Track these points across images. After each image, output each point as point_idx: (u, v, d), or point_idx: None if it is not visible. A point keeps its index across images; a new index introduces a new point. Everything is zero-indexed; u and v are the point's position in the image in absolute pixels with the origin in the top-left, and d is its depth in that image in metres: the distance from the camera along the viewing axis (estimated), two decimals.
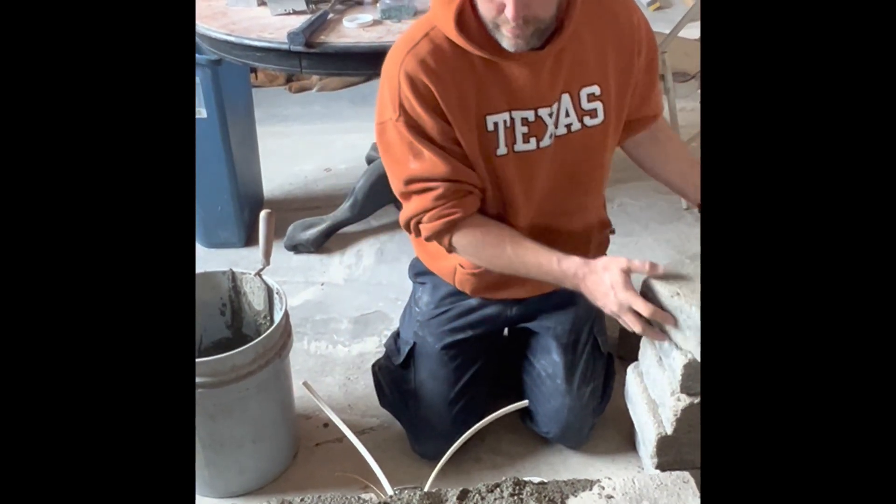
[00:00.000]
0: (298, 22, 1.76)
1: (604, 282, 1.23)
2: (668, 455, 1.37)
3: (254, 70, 3.43)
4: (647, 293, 1.26)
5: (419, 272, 1.60)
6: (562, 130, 1.31)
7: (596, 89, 1.31)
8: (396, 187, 1.31)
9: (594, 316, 1.56)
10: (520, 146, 1.29)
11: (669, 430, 1.34)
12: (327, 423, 1.70)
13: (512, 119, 1.27)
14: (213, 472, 1.47)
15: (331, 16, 1.87)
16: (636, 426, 1.51)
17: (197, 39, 1.98)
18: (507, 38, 1.17)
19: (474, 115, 1.25)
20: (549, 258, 1.28)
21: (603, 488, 0.98)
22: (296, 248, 2.33)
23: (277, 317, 1.48)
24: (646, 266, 1.22)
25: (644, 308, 1.20)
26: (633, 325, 1.24)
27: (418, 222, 1.32)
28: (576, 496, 0.96)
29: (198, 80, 2.05)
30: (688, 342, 1.20)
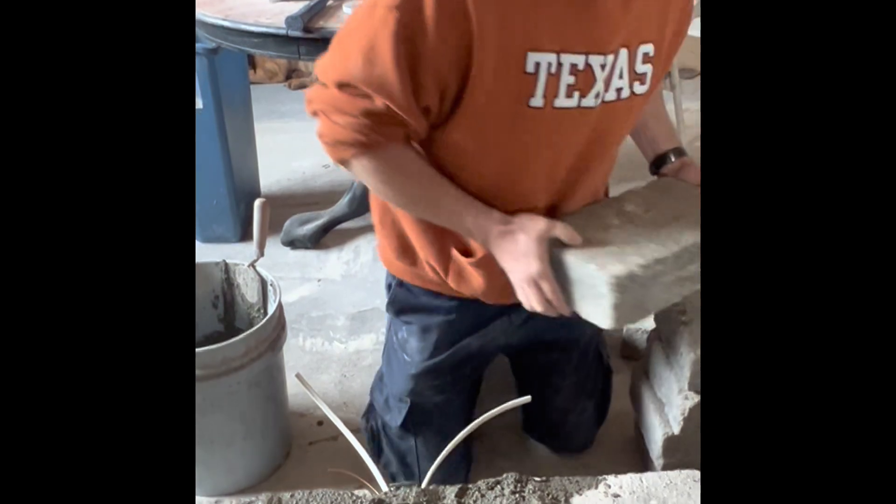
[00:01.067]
0: (296, 8, 1.72)
1: (518, 246, 1.02)
2: (675, 456, 1.32)
3: (252, 65, 3.40)
4: (555, 260, 1.06)
5: (403, 308, 1.29)
6: (611, 95, 1.02)
7: (651, 49, 1.03)
8: (322, 73, 1.00)
9: (598, 328, 1.32)
10: (561, 100, 0.97)
11: (676, 430, 1.29)
12: (321, 421, 1.65)
13: (560, 64, 0.95)
14: (202, 469, 1.42)
15: (330, 2, 1.82)
16: (641, 427, 1.46)
17: None
18: None
19: (517, 46, 0.93)
20: (468, 208, 1.04)
21: (609, 486, 0.93)
22: (292, 243, 2.28)
23: (271, 309, 1.43)
24: (573, 236, 1.02)
25: (550, 291, 1.02)
26: (535, 303, 1.04)
27: (325, 113, 1.00)
28: (580, 494, 0.91)
29: (195, 69, 2.01)
30: (597, 314, 1.05)
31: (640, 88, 1.05)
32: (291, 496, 0.95)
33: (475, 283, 1.18)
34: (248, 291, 1.56)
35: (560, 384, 1.44)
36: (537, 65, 0.94)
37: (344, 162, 1.03)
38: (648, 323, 1.70)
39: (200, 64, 1.98)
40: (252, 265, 1.52)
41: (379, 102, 0.94)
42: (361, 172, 1.03)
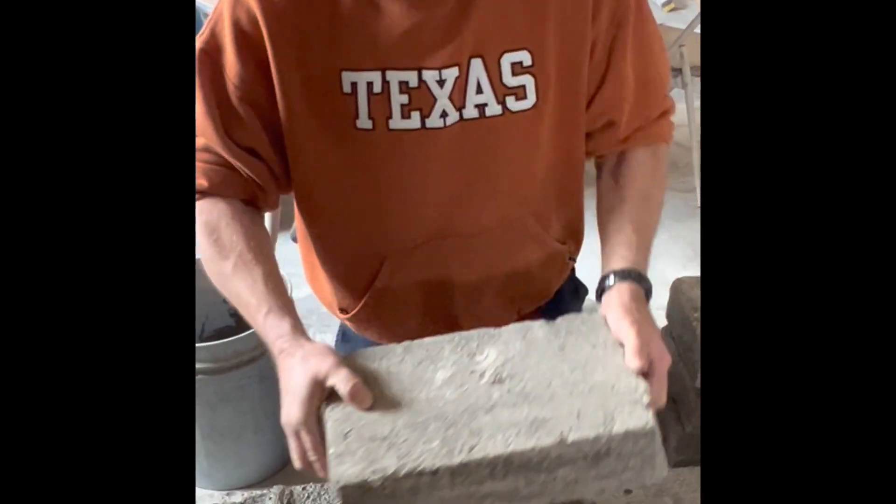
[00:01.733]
0: None
1: (291, 379, 0.79)
2: (687, 454, 1.32)
3: None
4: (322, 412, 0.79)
5: (358, 346, 1.05)
6: (472, 112, 0.86)
7: (525, 57, 0.86)
8: None
9: None
10: (396, 122, 0.85)
11: (689, 428, 1.29)
12: None
13: (385, 82, 0.83)
14: (212, 462, 1.43)
15: None
16: None
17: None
18: None
19: (323, 65, 0.83)
20: (261, 302, 0.83)
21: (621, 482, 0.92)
22: None
23: None
24: (356, 395, 0.75)
25: (311, 446, 0.77)
26: (293, 454, 0.80)
27: None
28: None
29: None
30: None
31: (518, 104, 0.87)
32: (303, 489, 0.95)
33: (370, 335, 1.05)
34: None
35: None
36: (353, 84, 0.84)
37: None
38: (661, 320, 1.70)
39: None
40: None
41: (200, 141, 0.88)
42: (201, 219, 0.89)
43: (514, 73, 0.86)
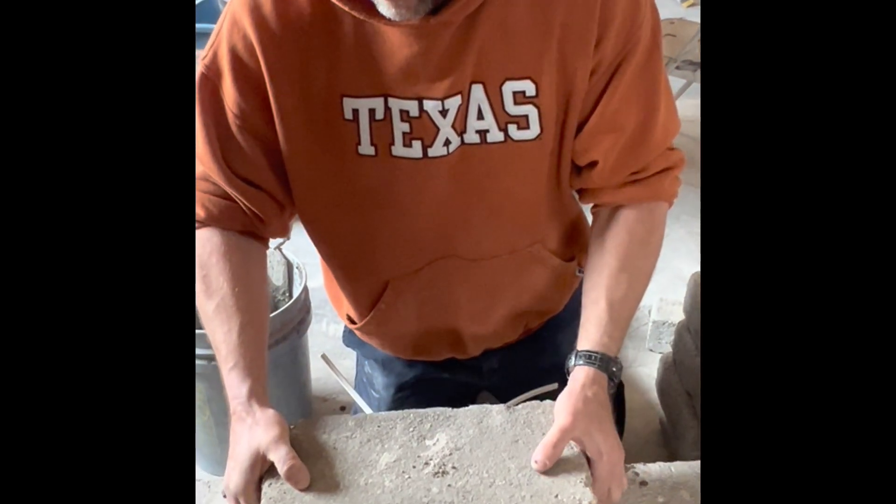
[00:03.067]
0: None
1: (238, 443, 0.78)
2: None
3: None
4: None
5: (363, 343, 1.12)
6: (473, 138, 0.83)
7: (528, 87, 0.81)
8: None
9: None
10: (398, 149, 0.82)
11: None
12: (344, 406, 1.64)
13: (388, 109, 0.81)
14: (224, 450, 1.42)
15: None
16: (669, 420, 1.44)
17: (221, 8, 1.93)
18: (382, 4, 0.73)
19: (325, 92, 0.81)
20: (229, 355, 0.82)
21: (637, 474, 0.91)
22: None
23: (296, 292, 1.43)
24: (293, 475, 0.75)
25: None
26: None
27: None
28: None
29: None
30: None
31: (520, 133, 0.83)
32: None
33: (374, 343, 1.06)
34: (274, 274, 1.56)
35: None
36: (355, 111, 0.81)
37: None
38: (677, 315, 1.68)
39: None
40: (278, 248, 1.52)
41: (200, 169, 0.85)
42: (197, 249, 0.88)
43: (517, 102, 0.82)
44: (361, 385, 1.19)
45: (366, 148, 0.82)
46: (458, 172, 0.85)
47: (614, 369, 0.84)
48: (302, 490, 0.76)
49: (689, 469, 0.93)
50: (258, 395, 0.80)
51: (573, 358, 0.84)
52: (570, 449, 0.80)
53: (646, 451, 1.51)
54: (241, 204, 0.86)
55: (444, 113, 0.81)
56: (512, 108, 0.82)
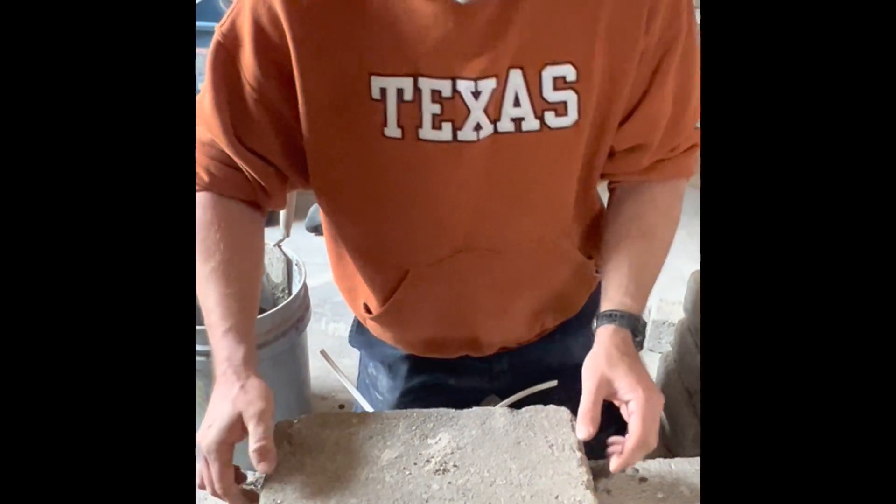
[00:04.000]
0: None
1: (220, 405, 0.76)
2: None
3: None
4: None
5: (368, 340, 1.09)
6: (507, 125, 0.79)
7: (569, 71, 0.78)
8: None
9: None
10: (426, 132, 0.78)
11: None
12: (343, 405, 1.64)
13: (417, 90, 0.77)
14: None
15: None
16: (668, 418, 1.44)
17: (223, 7, 1.93)
18: None
19: (352, 68, 0.76)
20: (226, 318, 0.79)
21: (637, 470, 0.91)
22: (317, 229, 2.28)
23: (295, 289, 1.42)
24: (262, 452, 0.74)
25: (217, 475, 0.74)
26: (197, 475, 0.76)
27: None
28: (607, 478, 0.88)
29: None
30: None
31: (557, 121, 0.80)
32: None
33: (387, 337, 1.03)
34: (273, 271, 1.56)
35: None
36: (383, 90, 0.77)
37: None
38: (677, 314, 1.68)
39: None
40: (278, 245, 1.52)
41: (206, 136, 0.83)
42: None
43: (556, 88, 0.79)
44: (364, 387, 1.17)
45: (392, 130, 0.78)
46: (489, 161, 0.81)
47: (638, 326, 0.83)
48: (302, 482, 0.76)
49: (688, 465, 0.92)
50: (251, 362, 0.79)
51: (596, 321, 0.84)
52: (573, 452, 0.80)
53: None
54: (246, 173, 0.84)
55: (476, 95, 0.77)
56: (550, 95, 0.79)
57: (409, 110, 0.77)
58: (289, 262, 1.52)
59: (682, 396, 1.36)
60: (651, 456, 0.95)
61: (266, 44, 0.76)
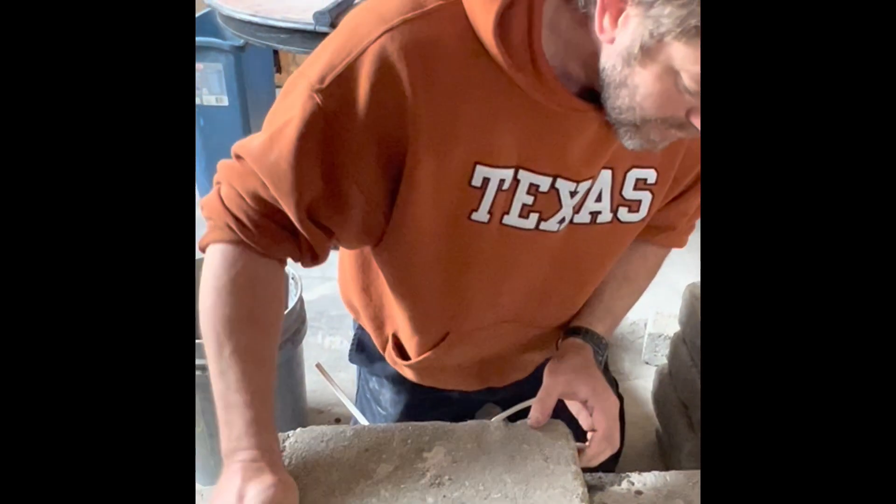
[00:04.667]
0: (325, 4, 1.72)
1: (250, 490, 0.71)
2: (700, 461, 1.30)
3: (278, 67, 3.42)
4: None
5: (371, 356, 1.10)
6: (584, 218, 0.82)
7: (650, 175, 0.82)
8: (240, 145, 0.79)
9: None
10: (512, 219, 0.79)
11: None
12: (339, 419, 1.64)
13: (516, 181, 0.77)
14: (220, 462, 1.41)
15: (357, 0, 1.83)
16: (664, 431, 1.44)
17: (220, 22, 1.95)
18: (637, 136, 0.71)
19: (462, 157, 0.74)
20: (259, 401, 0.76)
21: (633, 483, 0.91)
22: None
23: (291, 302, 1.43)
24: None
25: None
26: None
27: (219, 183, 0.79)
28: (603, 490, 0.89)
29: (221, 66, 2.03)
30: None
31: (628, 216, 0.84)
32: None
33: (411, 377, 1.04)
34: None
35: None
36: (486, 180, 0.75)
37: (203, 248, 0.81)
38: (673, 327, 1.68)
39: (227, 61, 2.00)
40: None
41: (267, 193, 0.75)
42: (208, 265, 0.79)
43: (636, 188, 0.82)
44: (364, 402, 1.17)
45: (481, 215, 0.78)
46: (560, 247, 0.84)
47: (600, 345, 0.89)
48: (299, 497, 0.76)
49: (684, 478, 0.92)
50: (279, 455, 0.77)
51: (562, 336, 0.91)
52: (568, 465, 0.81)
53: (642, 462, 1.51)
54: (300, 238, 0.78)
55: (573, 194, 0.79)
56: (629, 193, 0.82)
57: (503, 198, 0.77)
58: (285, 276, 1.52)
59: (677, 409, 1.36)
60: (647, 468, 0.96)
61: (385, 121, 0.70)
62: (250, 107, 2.12)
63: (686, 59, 0.62)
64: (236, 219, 0.76)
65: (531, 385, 1.01)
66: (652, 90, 0.65)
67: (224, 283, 0.77)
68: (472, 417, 1.07)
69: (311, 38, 1.68)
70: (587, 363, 0.86)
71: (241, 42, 1.92)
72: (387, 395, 1.11)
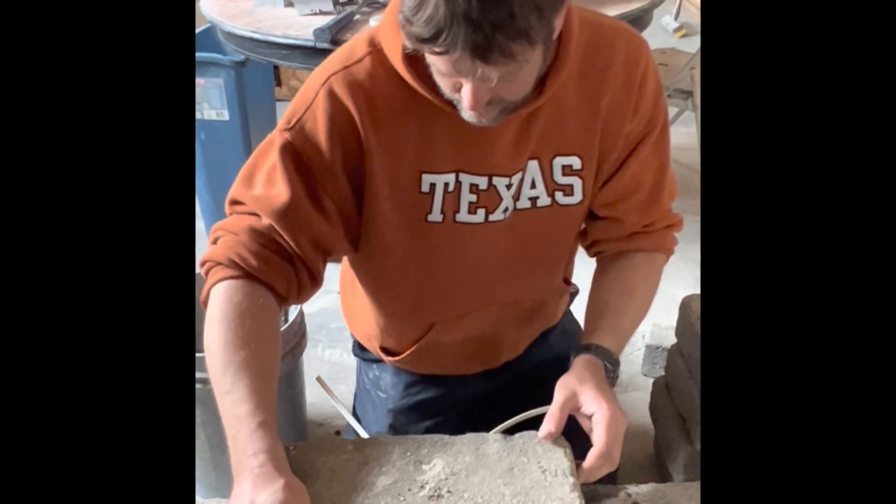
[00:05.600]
0: (324, 21, 1.74)
1: (260, 495, 0.74)
2: (696, 472, 1.31)
3: (278, 82, 3.44)
4: None
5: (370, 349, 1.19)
6: (524, 203, 0.95)
7: (575, 161, 0.93)
8: (227, 199, 0.94)
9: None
10: (463, 216, 0.93)
11: (699, 446, 1.28)
12: (339, 431, 1.64)
13: (458, 183, 0.91)
14: (220, 474, 1.42)
15: (357, 17, 1.85)
16: (662, 442, 1.45)
17: (221, 38, 1.96)
18: (466, 113, 0.82)
19: (408, 168, 0.89)
20: (262, 409, 0.80)
21: (629, 495, 0.92)
22: None
23: (292, 315, 1.44)
24: None
25: None
26: None
27: (215, 240, 0.91)
28: (599, 502, 0.89)
29: (221, 81, 2.04)
30: None
31: (565, 199, 0.96)
32: None
33: (408, 368, 1.13)
34: None
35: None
36: (432, 185, 0.91)
37: (205, 301, 0.89)
38: (670, 339, 1.69)
39: (228, 76, 2.01)
40: None
41: (265, 221, 0.88)
42: (212, 303, 0.86)
43: (564, 174, 0.95)
44: (364, 395, 1.22)
45: (435, 216, 0.93)
46: (510, 232, 0.97)
47: (610, 360, 0.92)
48: None
49: (680, 490, 0.93)
50: (285, 459, 0.79)
51: (573, 354, 0.93)
52: (566, 477, 0.82)
53: (639, 474, 1.51)
54: (292, 261, 0.89)
55: (509, 187, 0.93)
56: (560, 178, 0.95)
57: (451, 199, 0.92)
58: None
59: (674, 421, 1.36)
60: (644, 480, 0.96)
61: (343, 143, 0.87)
62: (251, 121, 2.13)
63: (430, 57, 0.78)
64: (237, 254, 0.87)
65: (528, 367, 1.14)
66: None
67: (227, 311, 0.84)
68: (478, 401, 1.15)
69: (311, 54, 1.70)
70: (597, 378, 0.88)
71: (241, 57, 1.94)
72: (387, 378, 1.17)
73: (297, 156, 0.87)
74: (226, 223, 0.90)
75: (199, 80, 2.02)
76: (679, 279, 2.10)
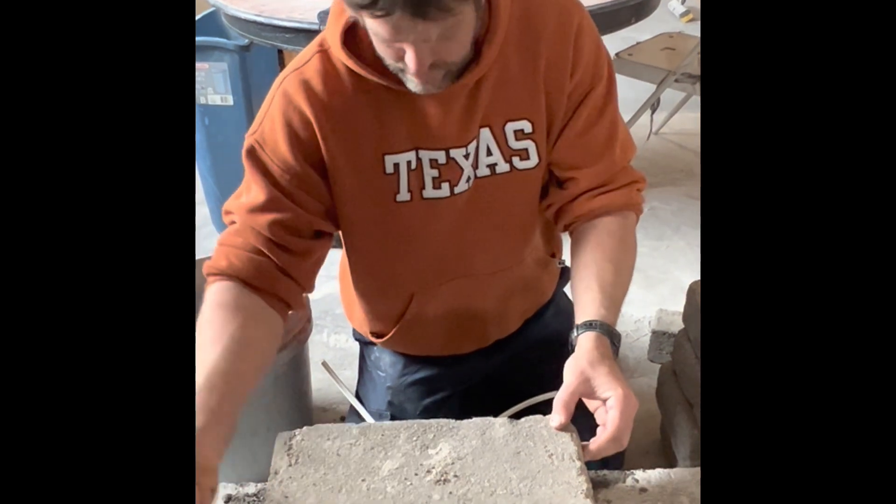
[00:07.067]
0: (329, 3, 1.72)
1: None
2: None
3: (282, 66, 3.42)
4: None
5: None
6: (484, 171, 0.98)
7: (526, 125, 0.97)
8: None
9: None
10: (429, 192, 0.97)
11: None
12: (344, 417, 1.64)
13: (419, 160, 0.95)
14: (226, 459, 1.42)
15: None
16: (669, 428, 1.44)
17: (225, 22, 1.95)
18: (411, 82, 0.86)
19: (370, 154, 0.95)
20: (212, 387, 0.82)
21: (637, 481, 0.91)
22: None
23: None
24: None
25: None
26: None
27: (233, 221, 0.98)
28: (607, 487, 0.89)
29: (225, 66, 2.03)
30: None
31: (523, 164, 0.99)
32: None
33: (401, 350, 1.18)
34: None
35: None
36: (396, 165, 0.95)
37: (210, 281, 0.94)
38: (677, 325, 1.69)
39: (232, 60, 2.00)
40: None
41: (248, 226, 0.94)
42: (210, 296, 0.92)
43: (518, 139, 0.98)
44: (367, 377, 1.25)
45: (403, 195, 0.97)
46: (474, 201, 1.00)
47: (613, 335, 0.91)
48: (305, 492, 0.77)
49: (688, 475, 0.93)
50: (223, 436, 0.82)
51: (575, 331, 0.91)
52: (572, 461, 0.81)
53: (646, 460, 1.51)
54: (274, 263, 0.94)
55: (466, 157, 0.96)
56: (514, 144, 0.98)
57: (415, 177, 0.96)
58: None
59: (681, 407, 1.36)
60: (651, 466, 0.96)
61: (298, 139, 0.93)
62: (255, 106, 2.11)
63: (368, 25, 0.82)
64: (237, 258, 0.92)
65: (523, 346, 1.17)
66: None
67: (212, 308, 0.90)
68: (475, 379, 1.17)
69: (315, 37, 1.68)
70: (607, 358, 0.87)
71: (245, 42, 1.93)
72: (386, 358, 1.21)
73: (263, 157, 0.94)
74: (226, 236, 0.97)
75: (203, 65, 2.01)
76: (685, 265, 2.09)
